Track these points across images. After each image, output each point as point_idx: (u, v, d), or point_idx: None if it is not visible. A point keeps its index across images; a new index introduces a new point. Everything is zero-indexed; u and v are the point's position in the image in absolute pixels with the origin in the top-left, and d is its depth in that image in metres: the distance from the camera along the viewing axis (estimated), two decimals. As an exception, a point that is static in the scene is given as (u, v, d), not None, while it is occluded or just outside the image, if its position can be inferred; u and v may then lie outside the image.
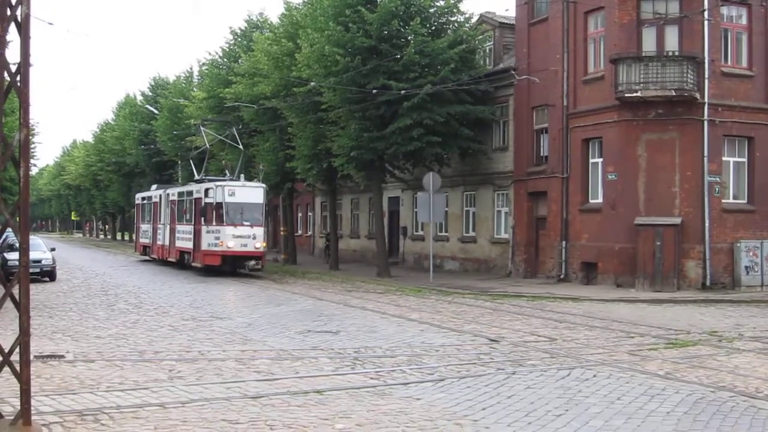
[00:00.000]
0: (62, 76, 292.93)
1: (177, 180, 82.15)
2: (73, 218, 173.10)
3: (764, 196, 40.08)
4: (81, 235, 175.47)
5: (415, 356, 19.85)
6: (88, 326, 24.77)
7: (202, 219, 48.14)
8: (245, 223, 47.28)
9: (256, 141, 58.48)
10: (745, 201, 40.27)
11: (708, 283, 38.18)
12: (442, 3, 45.65)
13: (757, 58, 40.14)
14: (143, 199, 69.68)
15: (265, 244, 49.77)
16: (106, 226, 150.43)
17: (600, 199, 40.91)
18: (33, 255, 41.69)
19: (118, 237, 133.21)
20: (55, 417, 13.08)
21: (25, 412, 11.08)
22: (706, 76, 38.41)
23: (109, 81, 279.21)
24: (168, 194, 58.88)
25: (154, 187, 68.22)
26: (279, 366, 18.22)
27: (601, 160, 40.95)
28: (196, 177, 55.76)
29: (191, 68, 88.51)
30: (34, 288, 35.70)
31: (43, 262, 41.64)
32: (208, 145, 56.63)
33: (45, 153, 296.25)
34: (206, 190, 48.70)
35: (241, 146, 53.66)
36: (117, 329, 24.15)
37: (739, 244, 38.84)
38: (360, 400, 14.86)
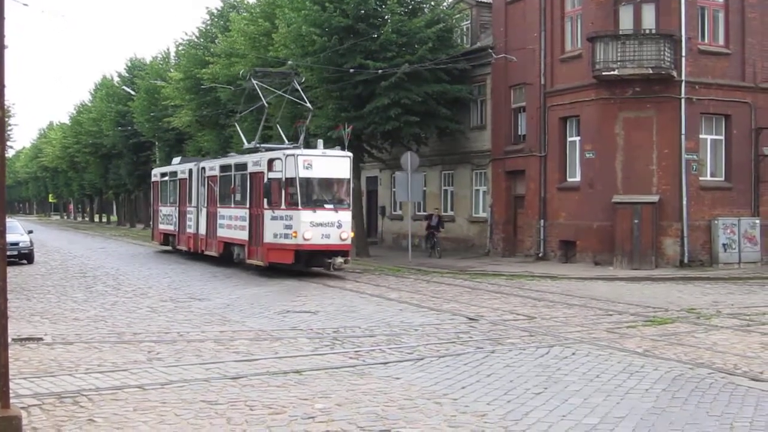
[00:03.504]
0: (38, 58, 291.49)
1: (155, 161, 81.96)
2: (50, 201, 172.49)
3: (741, 174, 40.24)
4: (58, 217, 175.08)
5: (394, 336, 19.85)
6: (66, 308, 24.66)
7: (265, 201, 35.60)
8: (327, 206, 35.38)
9: (233, 122, 58.30)
10: (723, 178, 40.40)
11: (686, 260, 38.34)
12: (419, -18, 45.61)
13: (734, 35, 40.21)
14: (163, 175, 55.35)
15: (353, 234, 37.59)
16: (85, 209, 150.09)
17: (578, 178, 40.97)
18: (10, 237, 41.48)
19: (96, 219, 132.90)
20: (33, 400, 13.03)
21: (3, 395, 11.01)
22: (683, 54, 38.49)
23: (86, 62, 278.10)
24: (203, 168, 45.25)
25: (176, 160, 54.69)
26: (258, 346, 18.20)
27: (578, 138, 41.01)
28: (247, 145, 41.83)
29: (168, 49, 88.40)
30: (11, 270, 35.51)
31: (20, 244, 41.37)
32: (265, 103, 40.97)
33: (21, 135, 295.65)
34: (270, 162, 35.95)
35: (308, 104, 40.28)
36: (95, 311, 24.05)
37: (716, 222, 38.98)
38: (339, 379, 14.86)
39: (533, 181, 43.56)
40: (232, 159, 42.67)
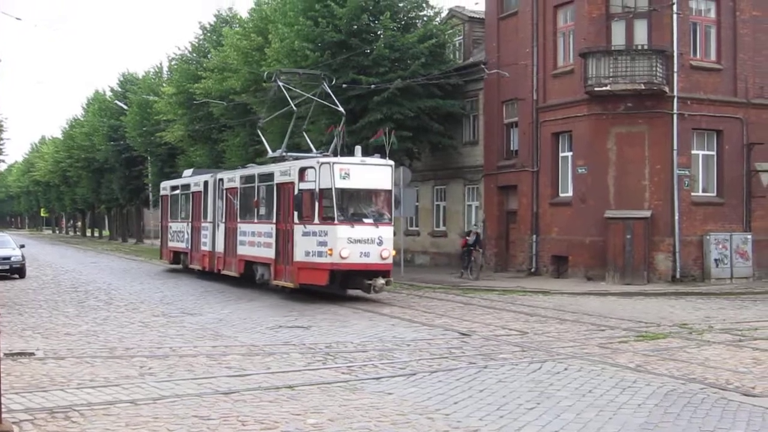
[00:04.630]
0: (30, 72, 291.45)
1: (147, 175, 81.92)
2: (42, 215, 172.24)
3: (733, 189, 40.33)
4: (50, 231, 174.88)
5: (386, 351, 19.84)
6: (58, 323, 24.61)
7: (296, 215, 31.87)
8: (366, 220, 31.43)
9: (225, 136, 58.36)
10: (715, 194, 40.47)
11: (678, 275, 38.39)
12: (411, -3, 45.71)
13: (726, 51, 40.34)
14: (174, 188, 51.20)
15: (394, 253, 33.01)
16: (77, 223, 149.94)
17: (570, 193, 41.04)
18: (2, 252, 41.86)
19: (88, 233, 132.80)
20: (25, 415, 12.99)
21: (-5, 410, 11.02)
22: (675, 69, 38.59)
23: (78, 77, 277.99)
24: (221, 180, 41.27)
25: (188, 172, 50.53)
26: (250, 362, 18.17)
27: (570, 153, 41.08)
28: (272, 153, 38.43)
29: (160, 63, 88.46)
30: (2, 285, 35.59)
31: (12, 259, 41.37)
32: (293, 106, 37.24)
33: (13, 149, 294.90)
34: (302, 171, 32.14)
35: (340, 107, 36.56)
36: (87, 326, 24.02)
37: (708, 237, 39.03)
38: (332, 395, 14.85)
39: (525, 197, 43.60)
40: (256, 169, 38.68)
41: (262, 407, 13.80)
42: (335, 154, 33.68)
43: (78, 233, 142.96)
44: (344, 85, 41.75)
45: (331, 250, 30.37)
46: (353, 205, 31.82)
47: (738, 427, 12.82)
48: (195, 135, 63.44)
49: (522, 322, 25.50)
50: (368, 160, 32.37)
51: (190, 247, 46.15)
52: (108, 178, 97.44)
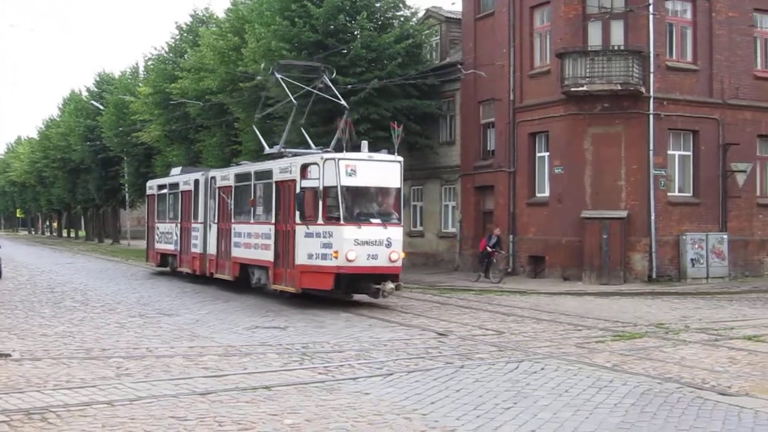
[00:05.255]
0: (6, 73, 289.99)
1: (123, 176, 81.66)
2: (18, 215, 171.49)
3: (709, 189, 40.48)
4: (26, 232, 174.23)
5: (363, 351, 19.84)
6: (34, 324, 24.47)
7: (298, 215, 29.73)
8: (374, 220, 29.46)
9: (202, 136, 58.23)
10: (691, 194, 40.63)
11: (654, 275, 38.51)
12: (389, -3, 45.73)
13: (702, 52, 40.49)
14: (161, 187, 48.59)
15: (404, 255, 30.64)
16: (53, 224, 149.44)
17: (547, 193, 41.15)
18: (-23, 252, 41.54)
19: (64, 234, 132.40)
20: (1, 416, 12.92)
21: (-30, 412, 10.98)
22: (652, 70, 38.71)
23: (54, 77, 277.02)
24: (213, 178, 39.23)
25: (176, 170, 47.79)
26: (227, 362, 18.14)
27: (547, 153, 41.20)
28: (269, 150, 36.38)
29: (137, 63, 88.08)
30: (-22, 286, 35.11)
31: (-13, 259, 41.20)
32: (294, 100, 35.27)
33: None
34: (304, 168, 30.04)
35: (342, 101, 35.27)
36: (64, 327, 23.89)
37: (684, 237, 39.17)
38: (309, 395, 14.83)
39: (502, 197, 43.66)
40: (252, 166, 36.42)
41: (239, 408, 13.77)
42: (338, 150, 31.65)
43: (54, 234, 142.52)
44: (321, 85, 41.72)
45: (336, 252, 28.44)
46: (360, 204, 29.94)
47: (714, 426, 12.87)
48: (171, 135, 63.26)
49: (499, 322, 25.54)
50: (376, 155, 30.30)
51: (179, 249, 43.78)
52: (84, 179, 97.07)
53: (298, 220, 29.65)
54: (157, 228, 48.17)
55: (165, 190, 47.30)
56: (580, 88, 38.44)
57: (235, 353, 19.38)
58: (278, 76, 36.01)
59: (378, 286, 28.99)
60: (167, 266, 46.32)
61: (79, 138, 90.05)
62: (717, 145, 40.63)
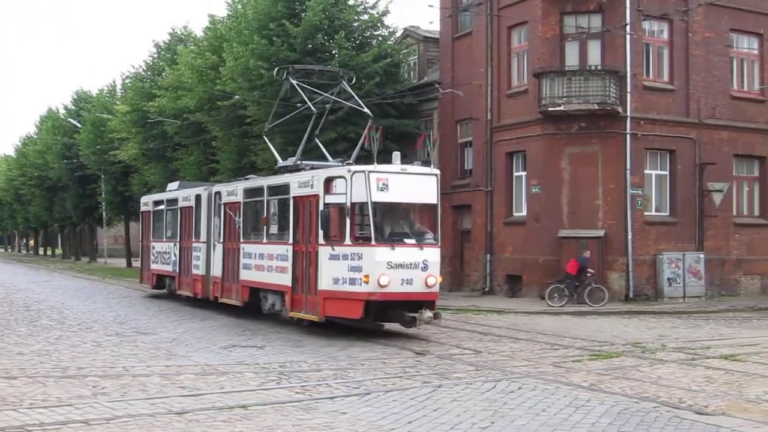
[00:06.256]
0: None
1: (101, 194, 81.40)
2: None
3: (686, 209, 40.63)
4: (2, 250, 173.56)
5: (340, 370, 19.82)
6: (9, 342, 24.35)
7: (321, 234, 26.34)
8: (409, 240, 26.01)
9: (180, 155, 58.12)
10: (667, 213, 40.76)
11: (631, 294, 38.60)
12: (366, 17, 45.73)
13: (678, 72, 40.69)
14: (157, 203, 45.04)
15: (441, 279, 27.42)
16: (30, 242, 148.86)
17: (524, 212, 41.23)
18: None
19: (41, 252, 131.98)
20: (-24, 435, 12.91)
21: (-55, 431, 10.92)
22: (629, 89, 38.87)
23: (31, 94, 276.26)
24: (218, 194, 35.67)
25: (173, 185, 44.31)
26: (204, 381, 18.10)
27: (524, 173, 41.28)
28: (282, 162, 33.70)
29: (114, 81, 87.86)
30: (-46, 304, 34.95)
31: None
32: (312, 107, 32.28)
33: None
34: (329, 182, 26.69)
35: (366, 109, 32.49)
36: (40, 345, 23.78)
37: (661, 256, 39.28)
38: (286, 414, 14.81)
39: (480, 216, 43.70)
40: (264, 180, 32.92)
41: (216, 427, 13.75)
42: (359, 163, 28.26)
43: (31, 252, 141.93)
44: (299, 104, 41.68)
45: (367, 276, 25.06)
46: (393, 222, 26.85)
47: (690, 445, 12.91)
48: (149, 153, 63.09)
49: (476, 342, 25.54)
50: (409, 168, 27.14)
51: (177, 271, 40.05)
52: (61, 197, 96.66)
53: (321, 240, 26.37)
54: (153, 247, 44.47)
55: (162, 207, 43.59)
56: (558, 108, 38.55)
57: (212, 372, 19.33)
58: (293, 81, 33.30)
59: (413, 315, 25.75)
60: (164, 288, 42.87)
61: (57, 156, 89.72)
62: (693, 164, 40.79)
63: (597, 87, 38.27)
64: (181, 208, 40.05)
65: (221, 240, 34.73)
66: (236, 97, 44.41)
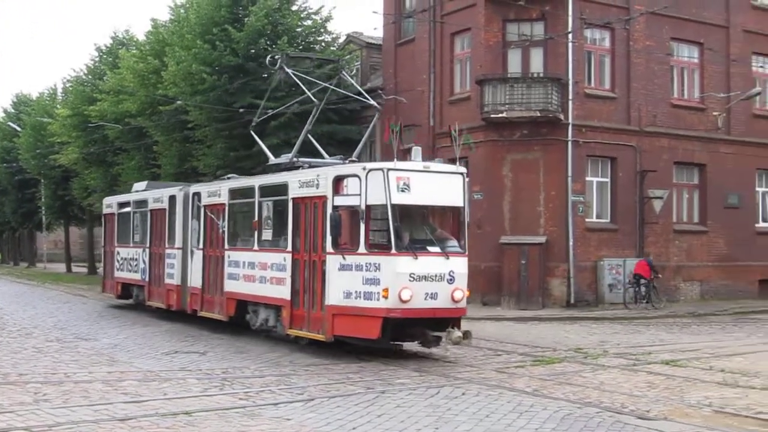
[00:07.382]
0: None
1: (40, 198, 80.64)
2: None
3: (627, 216, 40.92)
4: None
5: (284, 376, 19.81)
6: (-52, 349, 24.19)
7: (330, 241, 22.92)
8: (433, 248, 22.67)
9: (121, 159, 57.71)
10: (608, 220, 41.03)
11: (572, 300, 38.78)
12: (309, 23, 45.74)
13: (620, 79, 41.01)
14: (122, 205, 40.99)
15: (468, 293, 23.42)
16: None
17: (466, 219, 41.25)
18: None
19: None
20: None
21: None
22: (570, 97, 39.11)
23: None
24: (197, 194, 32.00)
25: (140, 185, 40.83)
26: (147, 387, 18.01)
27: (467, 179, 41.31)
28: (274, 159, 30.66)
29: (55, 85, 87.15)
30: None
31: None
32: (312, 97, 30.61)
33: None
34: (338, 181, 23.36)
35: (372, 101, 31.77)
36: (-21, 352, 23.64)
37: (602, 262, 39.56)
38: (230, 420, 14.77)
39: (423, 222, 43.70)
40: (256, 180, 29.09)
41: (160, 434, 13.70)
42: (361, 160, 26.84)
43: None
44: (241, 110, 41.58)
45: (386, 290, 21.62)
46: (415, 227, 23.30)
47: (633, 450, 13.01)
48: (90, 158, 62.52)
49: (419, 347, 25.56)
50: (433, 165, 24.35)
51: (147, 279, 36.21)
52: (0, 201, 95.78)
53: (329, 248, 22.99)
54: (118, 253, 40.39)
55: (128, 209, 39.58)
56: (500, 115, 38.69)
57: (155, 378, 19.24)
58: (288, 70, 30.69)
59: (437, 334, 23.03)
60: (130, 298, 39.26)
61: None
62: (634, 171, 41.10)
63: (539, 94, 38.45)
64: (151, 210, 36.27)
65: (201, 246, 31.09)
66: (178, 101, 44.20)
